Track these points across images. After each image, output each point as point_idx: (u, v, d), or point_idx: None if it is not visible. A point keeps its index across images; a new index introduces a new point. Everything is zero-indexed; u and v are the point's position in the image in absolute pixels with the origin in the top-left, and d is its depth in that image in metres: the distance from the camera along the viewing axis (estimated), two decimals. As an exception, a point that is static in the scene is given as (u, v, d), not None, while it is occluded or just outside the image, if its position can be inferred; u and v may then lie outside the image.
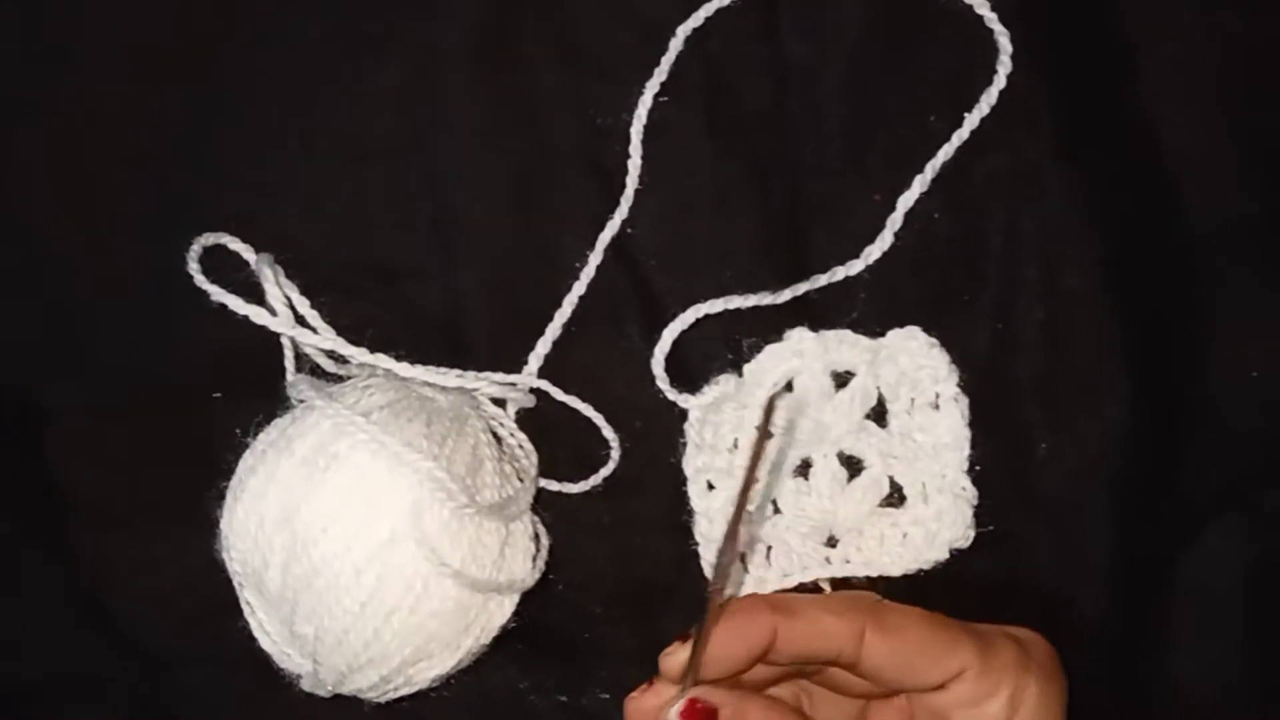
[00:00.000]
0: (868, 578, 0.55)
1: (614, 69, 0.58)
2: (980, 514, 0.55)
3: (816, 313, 0.57)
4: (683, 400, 0.56)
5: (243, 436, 0.53)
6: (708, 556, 0.56)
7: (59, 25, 0.59)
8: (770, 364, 0.56)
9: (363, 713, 0.53)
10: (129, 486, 0.57)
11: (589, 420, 0.57)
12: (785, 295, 0.57)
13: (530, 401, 0.57)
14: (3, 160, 0.59)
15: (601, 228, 0.57)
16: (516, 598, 0.53)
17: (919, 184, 0.56)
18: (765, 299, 0.57)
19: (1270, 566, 0.56)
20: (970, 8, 0.57)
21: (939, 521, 0.55)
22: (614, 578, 0.57)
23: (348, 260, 0.58)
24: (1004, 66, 0.56)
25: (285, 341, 0.56)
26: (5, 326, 0.59)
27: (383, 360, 0.54)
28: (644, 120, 0.57)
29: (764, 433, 0.42)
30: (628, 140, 0.57)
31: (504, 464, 0.54)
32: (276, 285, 0.55)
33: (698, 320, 0.57)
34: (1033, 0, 0.57)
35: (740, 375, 0.57)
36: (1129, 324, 0.56)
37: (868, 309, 0.57)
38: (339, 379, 0.56)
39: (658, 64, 0.57)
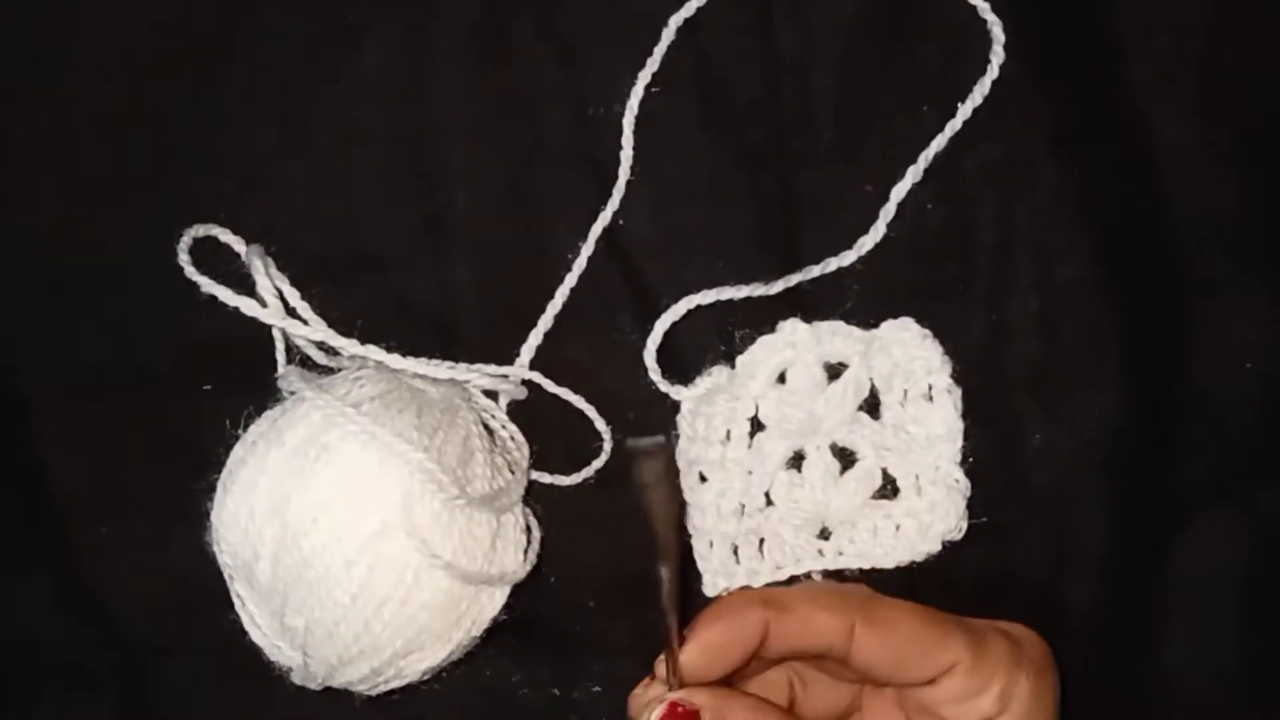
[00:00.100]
0: (860, 570, 0.55)
1: (605, 60, 0.57)
2: (973, 505, 0.55)
3: (809, 304, 0.57)
4: (675, 392, 0.56)
5: (233, 428, 0.53)
6: (700, 550, 0.56)
7: (52, 16, 0.59)
8: (763, 355, 0.56)
9: (354, 706, 0.53)
10: (119, 479, 0.57)
11: (581, 412, 0.57)
12: (778, 286, 0.56)
13: (522, 393, 0.57)
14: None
15: (593, 219, 0.57)
16: (508, 590, 0.53)
17: (911, 174, 0.56)
18: (758, 290, 0.56)
19: (1263, 559, 0.56)
20: (963, -2, 0.57)
21: (932, 513, 0.55)
22: (606, 570, 0.57)
23: (339, 252, 0.58)
24: (997, 57, 0.56)
25: (276, 333, 0.56)
26: (-5, 318, 0.58)
27: (373, 352, 0.54)
28: (635, 111, 0.57)
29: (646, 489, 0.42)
30: (619, 131, 0.57)
31: (495, 456, 0.54)
32: (267, 277, 0.55)
33: (690, 311, 0.57)
34: (1026, -10, 0.57)
35: (733, 367, 0.56)
36: (1122, 315, 0.56)
37: (860, 300, 0.57)
38: (330, 371, 0.55)
39: (649, 54, 0.57)
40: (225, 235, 0.56)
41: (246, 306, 0.54)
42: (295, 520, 0.48)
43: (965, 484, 0.55)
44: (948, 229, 0.57)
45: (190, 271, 0.54)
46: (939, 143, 0.56)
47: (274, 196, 0.58)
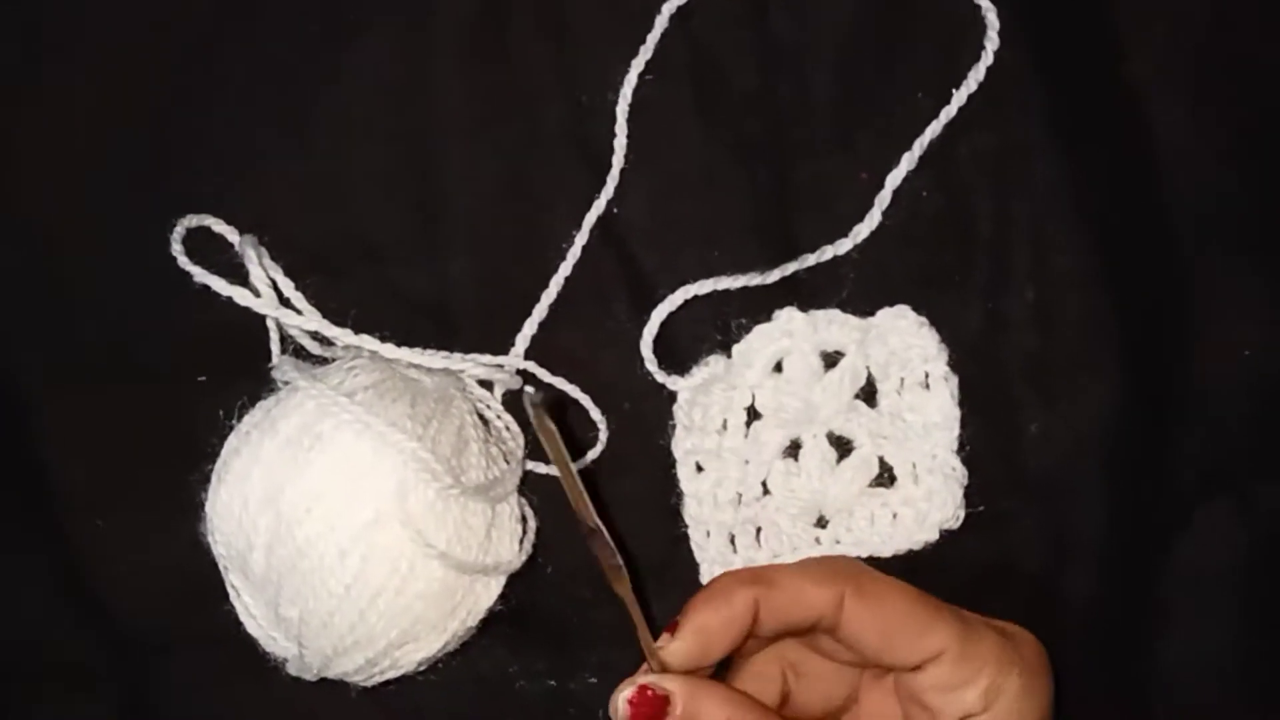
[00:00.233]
0: (858, 558, 0.54)
1: (599, 49, 0.57)
2: (970, 494, 0.55)
3: (805, 292, 0.56)
4: (671, 382, 0.56)
5: (227, 419, 0.53)
6: (697, 539, 0.56)
7: (50, 12, 0.58)
8: (759, 344, 0.56)
9: (349, 697, 0.53)
10: (115, 471, 0.57)
11: (577, 402, 0.57)
12: (774, 275, 0.56)
13: (517, 383, 0.56)
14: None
15: (588, 208, 0.57)
16: (503, 580, 0.53)
17: (907, 162, 0.56)
18: (754, 279, 0.56)
19: (1262, 552, 0.56)
20: (957, -16, 0.57)
21: (929, 502, 0.55)
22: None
23: (333, 242, 0.57)
24: (991, 43, 0.56)
25: (270, 324, 0.56)
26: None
27: (368, 342, 0.54)
28: (630, 100, 0.57)
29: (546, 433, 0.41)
30: (613, 120, 0.57)
31: (490, 446, 0.53)
32: (260, 267, 0.55)
33: (686, 301, 0.56)
34: (1020, -23, 0.57)
35: (729, 356, 0.56)
36: (1120, 304, 0.56)
37: (857, 288, 0.56)
38: (325, 361, 0.55)
39: (643, 43, 0.57)
40: (219, 226, 0.56)
41: (240, 297, 0.53)
42: (289, 510, 0.48)
43: (962, 472, 0.55)
44: (944, 217, 0.57)
45: (184, 262, 0.54)
46: (934, 130, 0.56)
47: (269, 186, 0.57)
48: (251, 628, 0.52)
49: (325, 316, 0.55)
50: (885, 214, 0.56)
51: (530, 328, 0.57)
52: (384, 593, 0.49)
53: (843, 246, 0.56)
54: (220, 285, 0.53)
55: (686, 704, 0.46)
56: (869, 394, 0.56)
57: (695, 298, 0.56)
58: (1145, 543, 0.56)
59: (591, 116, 0.57)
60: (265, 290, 0.54)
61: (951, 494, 0.54)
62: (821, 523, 0.56)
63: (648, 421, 0.57)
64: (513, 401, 0.56)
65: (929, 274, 0.56)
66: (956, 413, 0.55)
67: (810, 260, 0.56)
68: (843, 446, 0.56)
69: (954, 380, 0.55)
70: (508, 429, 0.56)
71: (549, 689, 0.57)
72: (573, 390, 0.57)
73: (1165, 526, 0.56)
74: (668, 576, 0.56)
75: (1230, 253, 0.56)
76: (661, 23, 0.57)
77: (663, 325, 0.56)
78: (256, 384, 0.53)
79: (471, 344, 0.56)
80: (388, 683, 0.52)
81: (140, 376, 0.57)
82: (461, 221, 0.57)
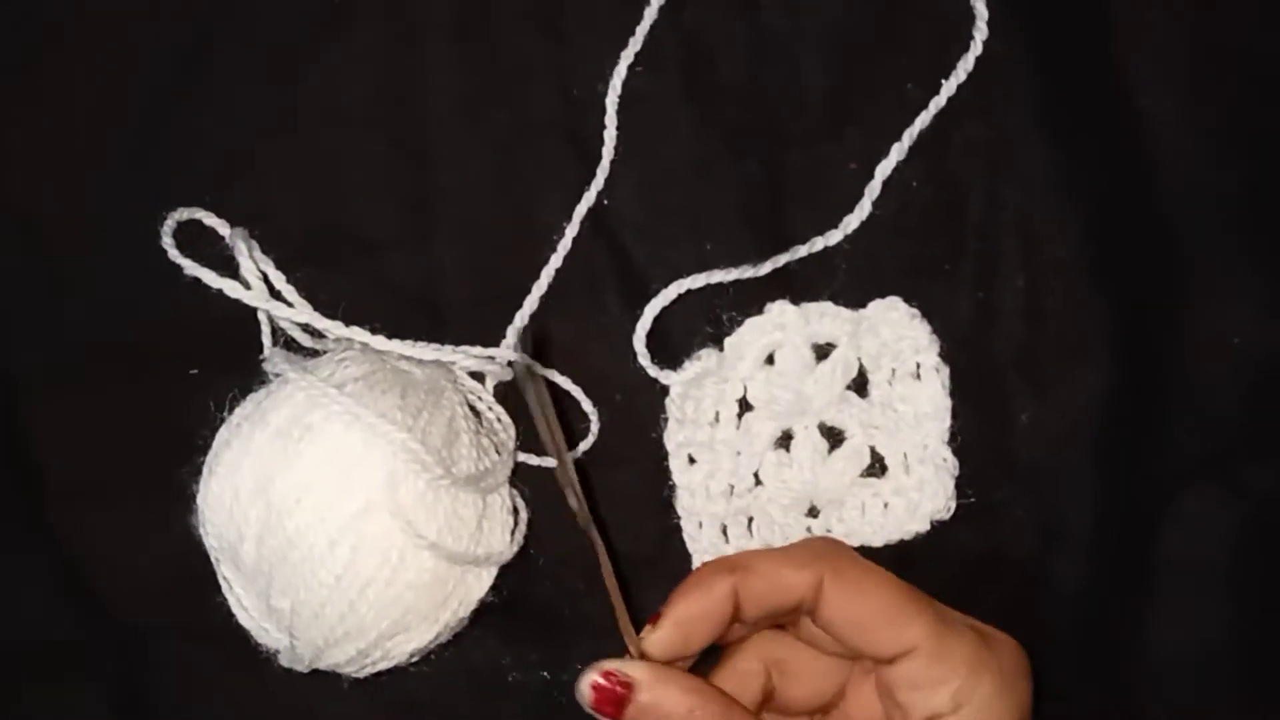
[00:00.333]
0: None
1: (589, 39, 0.57)
2: (962, 484, 0.55)
3: (796, 284, 0.57)
4: (664, 377, 0.56)
5: (218, 411, 0.53)
6: (689, 530, 0.56)
7: (36, 2, 0.59)
8: (751, 337, 0.56)
9: (341, 689, 0.53)
10: (105, 463, 0.57)
11: (568, 394, 0.57)
12: (766, 268, 0.56)
13: (508, 375, 0.56)
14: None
15: (579, 199, 0.57)
16: (495, 571, 0.53)
17: (896, 152, 0.56)
18: (746, 272, 0.56)
19: (1251, 537, 0.56)
20: (946, -26, 0.57)
21: (920, 492, 0.55)
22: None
23: (324, 235, 0.57)
24: (980, 33, 0.56)
25: (261, 316, 0.56)
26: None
27: (358, 333, 0.54)
28: (619, 91, 0.57)
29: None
30: (604, 111, 0.57)
31: (481, 437, 0.53)
32: (251, 260, 0.55)
33: (678, 295, 0.56)
34: (1008, -34, 0.57)
35: (721, 349, 0.56)
36: (1110, 293, 0.56)
37: (848, 279, 0.56)
38: (317, 354, 0.55)
39: (633, 34, 0.57)
40: (210, 219, 0.56)
41: (231, 289, 0.53)
42: (279, 501, 0.48)
43: (953, 462, 0.55)
44: (934, 207, 0.57)
45: (174, 255, 0.54)
46: (923, 120, 0.56)
47: (260, 178, 0.57)
48: (243, 619, 0.52)
49: (316, 309, 0.55)
50: (875, 204, 0.56)
51: (521, 319, 0.57)
52: (374, 583, 0.49)
53: (833, 237, 0.56)
54: (211, 278, 0.53)
55: (650, 691, 0.46)
56: (860, 385, 0.56)
57: (687, 290, 0.56)
58: (1135, 530, 0.56)
59: (582, 108, 0.57)
60: (256, 283, 0.54)
61: (943, 484, 0.54)
62: (813, 513, 0.56)
63: (639, 413, 0.57)
64: (505, 392, 0.56)
65: (920, 264, 0.57)
66: (948, 403, 0.55)
67: (801, 251, 0.56)
68: (834, 437, 0.56)
69: (945, 371, 0.55)
70: (499, 420, 0.56)
71: (541, 680, 0.57)
72: (564, 382, 0.57)
73: (1155, 514, 0.56)
74: (660, 568, 0.57)
75: (1220, 240, 0.56)
76: (651, 14, 0.57)
77: (655, 319, 0.56)
78: (248, 376, 0.53)
79: (463, 336, 0.56)
80: (380, 674, 0.52)
81: (131, 369, 0.57)
82: (452, 214, 0.57)
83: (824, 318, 0.56)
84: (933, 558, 0.55)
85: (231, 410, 0.52)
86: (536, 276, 0.57)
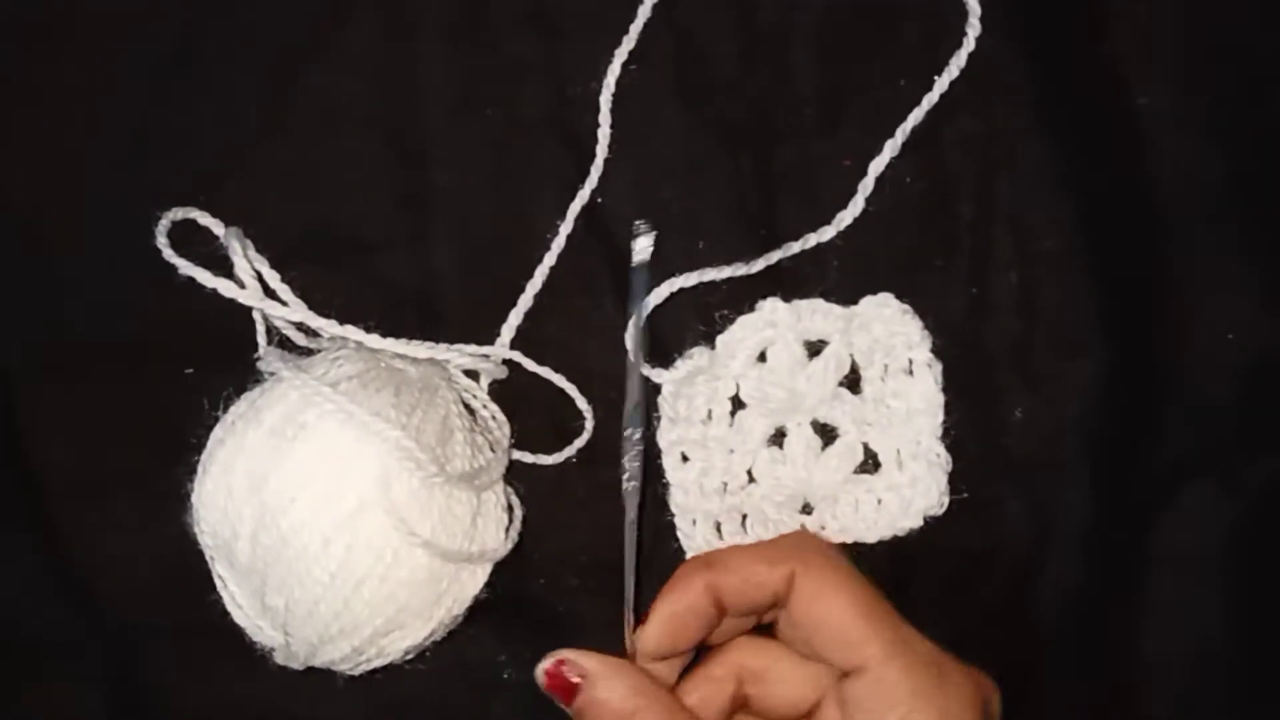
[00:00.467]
0: (843, 545, 0.55)
1: (583, 37, 0.57)
2: (955, 480, 0.55)
3: (789, 281, 0.57)
4: (656, 375, 0.56)
5: (212, 410, 0.53)
6: (683, 527, 0.56)
7: (29, 2, 0.59)
8: (743, 335, 0.56)
9: (336, 686, 0.53)
10: (101, 462, 0.57)
11: (563, 391, 0.57)
12: (759, 265, 0.56)
13: (503, 373, 0.57)
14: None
15: (572, 197, 0.57)
16: (489, 568, 0.53)
17: (889, 148, 0.56)
18: (739, 270, 0.56)
19: (1246, 532, 0.56)
20: (938, -30, 0.57)
21: (914, 488, 0.55)
22: (590, 548, 0.57)
23: (319, 233, 0.58)
24: (973, 29, 0.56)
25: (256, 315, 0.56)
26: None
27: (353, 332, 0.54)
28: (613, 89, 0.57)
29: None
30: (598, 109, 0.57)
31: (476, 435, 0.54)
32: (245, 259, 0.55)
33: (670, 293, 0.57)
34: (1001, -38, 0.57)
35: (713, 347, 0.56)
36: (1103, 287, 0.56)
37: (841, 275, 0.57)
38: (311, 352, 0.55)
39: (626, 32, 0.57)
40: (204, 218, 0.56)
41: (225, 289, 0.54)
42: (273, 499, 0.48)
43: (946, 458, 0.55)
44: (927, 203, 0.57)
45: (169, 254, 0.54)
46: (916, 116, 0.56)
47: (254, 176, 0.58)
48: (238, 617, 0.52)
49: (310, 308, 0.55)
50: (869, 200, 0.56)
51: (516, 317, 0.57)
52: (368, 581, 0.49)
53: (827, 234, 0.56)
54: (205, 277, 0.53)
55: (597, 687, 0.47)
56: (853, 382, 0.56)
57: (679, 289, 0.56)
58: (1130, 525, 0.56)
59: (576, 106, 0.57)
60: (250, 282, 0.55)
61: (936, 480, 0.54)
62: (807, 510, 0.56)
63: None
64: (499, 391, 0.57)
65: (913, 260, 0.57)
66: (940, 399, 0.55)
67: (794, 248, 0.56)
68: (827, 434, 0.56)
69: (937, 367, 0.55)
70: (494, 418, 0.56)
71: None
72: (559, 380, 0.57)
73: (1150, 508, 0.56)
74: (654, 565, 0.56)
75: (1213, 234, 0.56)
76: (645, 12, 0.57)
77: (647, 317, 0.56)
78: (242, 375, 0.53)
79: (457, 334, 0.56)
80: (374, 671, 0.52)
81: (127, 369, 0.57)
82: (446, 212, 0.58)
83: (815, 314, 0.56)
84: (927, 553, 0.55)
85: (226, 409, 0.52)
86: (531, 275, 0.57)
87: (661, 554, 0.57)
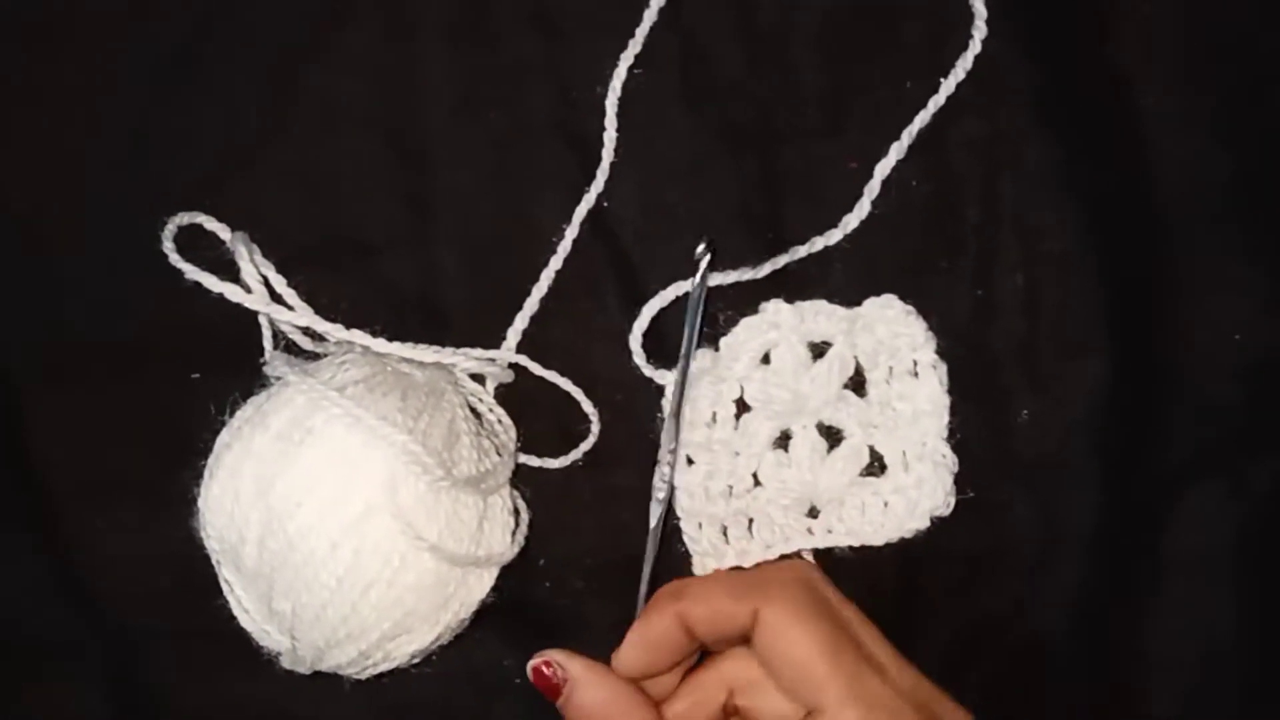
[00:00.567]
0: (850, 547, 0.55)
1: (588, 41, 0.57)
2: (961, 481, 0.55)
3: (794, 283, 0.57)
4: (660, 376, 0.56)
5: (219, 415, 0.53)
6: (689, 531, 0.56)
7: (31, 4, 0.59)
8: (746, 337, 0.56)
9: (343, 690, 0.53)
10: (108, 466, 0.57)
11: (569, 395, 0.57)
12: (765, 269, 0.56)
13: (509, 376, 0.57)
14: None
15: (578, 201, 0.57)
16: (496, 572, 0.53)
17: (895, 151, 0.56)
18: (745, 274, 0.56)
19: (1254, 532, 0.56)
20: (943, -27, 0.57)
21: (920, 489, 0.54)
22: (596, 552, 0.57)
23: (325, 238, 0.58)
24: (979, 31, 0.56)
25: (262, 319, 0.56)
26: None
27: (359, 336, 0.54)
28: (619, 92, 0.57)
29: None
30: (603, 112, 0.57)
31: (482, 438, 0.54)
32: (252, 264, 0.55)
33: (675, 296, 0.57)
34: (1006, -36, 0.57)
35: (717, 349, 0.56)
36: (1108, 288, 0.56)
37: (846, 277, 0.57)
38: (317, 357, 0.55)
39: (632, 35, 0.57)
40: (210, 223, 0.56)
41: (231, 293, 0.54)
42: (280, 503, 0.48)
43: (952, 460, 0.55)
44: (933, 205, 0.57)
45: (175, 259, 0.54)
46: (922, 119, 0.56)
47: (255, 177, 0.58)
48: (245, 621, 0.52)
49: (317, 312, 0.55)
50: (874, 203, 0.56)
51: (522, 321, 0.57)
52: (376, 585, 0.49)
53: (833, 237, 0.56)
54: (212, 282, 0.53)
55: (579, 691, 0.49)
56: (858, 383, 0.56)
57: (685, 292, 0.56)
58: (1137, 526, 0.56)
59: (579, 108, 0.57)
60: (257, 287, 0.55)
61: (942, 481, 0.54)
62: (813, 513, 0.56)
63: (640, 414, 0.57)
64: (505, 394, 0.57)
65: (918, 262, 0.57)
66: (946, 400, 0.55)
67: (801, 252, 0.57)
68: (833, 436, 0.56)
69: (943, 367, 0.55)
70: (500, 422, 0.56)
71: (543, 681, 0.57)
72: (564, 384, 0.57)
73: (1156, 509, 0.56)
74: (660, 568, 0.56)
75: (1218, 235, 0.56)
76: (650, 15, 0.57)
77: (652, 319, 0.57)
78: (249, 380, 0.54)
79: (463, 338, 0.57)
80: (381, 675, 0.52)
81: (133, 374, 0.57)
82: (452, 216, 0.58)
83: (819, 316, 0.56)
84: (933, 555, 0.55)
85: (232, 413, 0.53)
86: (536, 278, 0.57)
87: (667, 558, 0.57)
